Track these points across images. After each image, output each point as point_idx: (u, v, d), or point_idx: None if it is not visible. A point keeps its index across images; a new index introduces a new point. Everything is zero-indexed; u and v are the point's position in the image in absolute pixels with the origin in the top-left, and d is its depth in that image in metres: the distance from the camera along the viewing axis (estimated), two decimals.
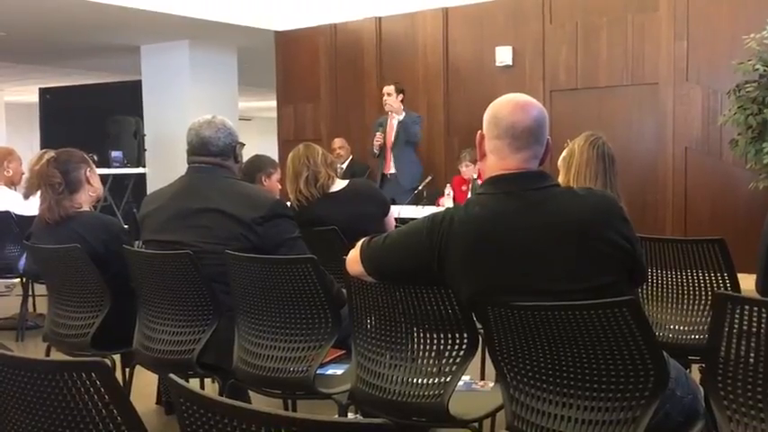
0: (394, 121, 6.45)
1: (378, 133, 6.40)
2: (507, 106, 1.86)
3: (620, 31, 6.55)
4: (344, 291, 2.20)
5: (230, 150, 2.69)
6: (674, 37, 6.31)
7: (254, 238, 2.50)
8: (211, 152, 2.65)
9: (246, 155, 4.07)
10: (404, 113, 6.44)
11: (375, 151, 6.52)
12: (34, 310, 5.18)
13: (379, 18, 7.89)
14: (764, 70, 5.11)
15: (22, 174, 4.69)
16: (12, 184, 4.95)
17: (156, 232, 2.65)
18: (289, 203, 4.28)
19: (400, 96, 6.41)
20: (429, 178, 6.09)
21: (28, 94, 14.24)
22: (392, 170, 6.47)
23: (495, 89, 6.29)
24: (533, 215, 1.78)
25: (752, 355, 1.57)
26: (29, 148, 8.16)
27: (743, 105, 5.19)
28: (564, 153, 2.99)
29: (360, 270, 2.01)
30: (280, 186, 3.71)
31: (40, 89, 13.18)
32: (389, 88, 6.42)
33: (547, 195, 1.81)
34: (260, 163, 3.67)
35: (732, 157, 5.76)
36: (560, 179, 2.93)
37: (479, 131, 1.90)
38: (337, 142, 7.30)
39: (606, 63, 6.65)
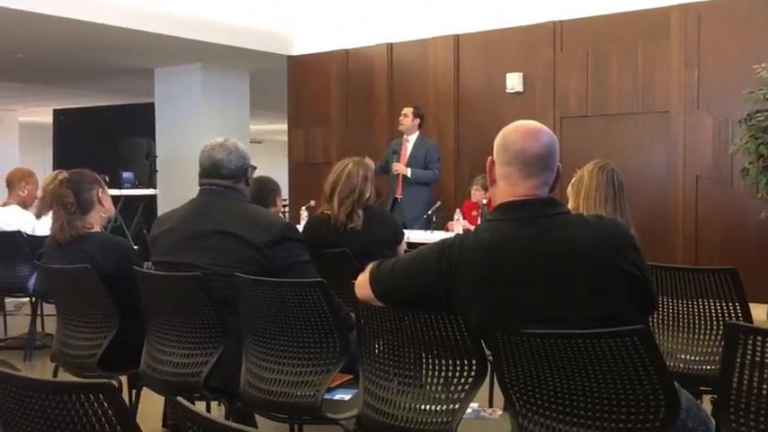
0: (408, 145, 6.47)
1: (396, 164, 6.38)
2: (518, 133, 1.86)
3: (630, 58, 6.57)
4: (353, 315, 2.20)
5: (242, 173, 2.70)
6: (684, 65, 6.33)
7: (264, 261, 2.50)
8: (223, 175, 2.66)
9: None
10: (416, 133, 6.46)
11: (376, 169, 6.46)
12: (42, 329, 5.19)
13: (391, 44, 7.96)
14: None
15: (36, 197, 4.72)
16: (24, 204, 4.99)
17: (167, 254, 2.65)
18: (302, 221, 4.29)
19: (417, 120, 6.46)
20: (438, 203, 6.09)
21: (42, 115, 14.40)
22: (401, 194, 6.47)
23: (505, 115, 6.33)
24: (544, 242, 1.77)
25: (764, 386, 1.55)
26: (41, 168, 8.23)
27: (754, 134, 5.19)
28: (573, 179, 3.00)
29: (368, 294, 2.00)
30: (282, 209, 3.70)
31: (54, 110, 13.34)
32: (407, 110, 6.49)
33: (557, 222, 1.81)
34: (271, 185, 3.68)
35: (743, 185, 5.75)
36: (570, 205, 2.93)
37: (490, 158, 1.91)
38: None
39: (617, 91, 6.67)
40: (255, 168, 2.84)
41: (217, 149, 2.68)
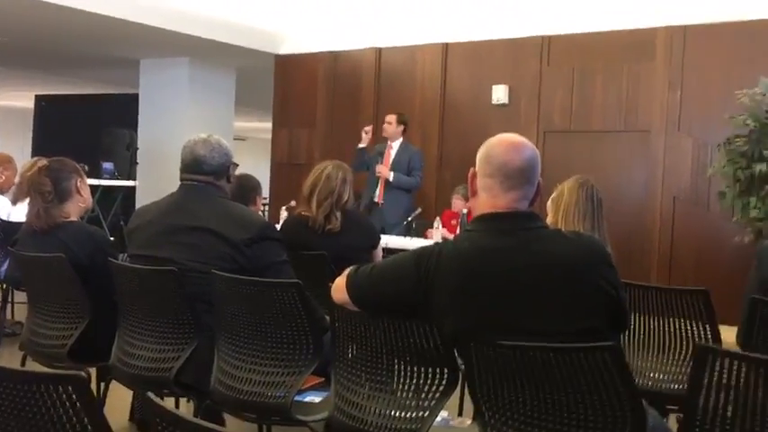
0: (392, 151, 6.49)
1: (379, 165, 6.40)
2: (501, 145, 1.88)
3: (615, 77, 6.64)
4: (327, 318, 2.20)
5: (224, 170, 2.70)
6: (668, 86, 6.40)
7: (241, 259, 2.49)
8: (204, 171, 2.65)
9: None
10: (400, 139, 6.49)
11: (354, 165, 6.46)
12: (12, 317, 5.13)
13: (380, 49, 7.97)
14: (755, 126, 5.19)
15: (14, 183, 4.67)
16: (1, 191, 4.93)
17: (144, 247, 2.64)
18: (281, 221, 4.29)
19: (401, 127, 6.49)
20: (418, 210, 6.11)
21: (23, 100, 14.23)
22: (383, 200, 6.48)
23: (489, 126, 6.37)
24: (521, 255, 1.79)
25: (729, 407, 1.58)
26: (20, 154, 8.13)
27: (732, 159, 5.26)
28: (554, 194, 3.03)
29: (345, 298, 2.00)
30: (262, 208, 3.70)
31: (36, 96, 13.19)
32: (391, 117, 6.51)
33: (535, 236, 1.82)
34: (253, 183, 3.68)
35: (719, 208, 5.82)
36: (548, 219, 2.95)
37: (472, 169, 1.92)
38: None
39: (600, 108, 6.73)
40: (237, 166, 2.83)
41: (200, 145, 2.67)
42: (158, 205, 2.73)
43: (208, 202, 2.62)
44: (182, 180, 2.70)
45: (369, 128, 6.60)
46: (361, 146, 6.54)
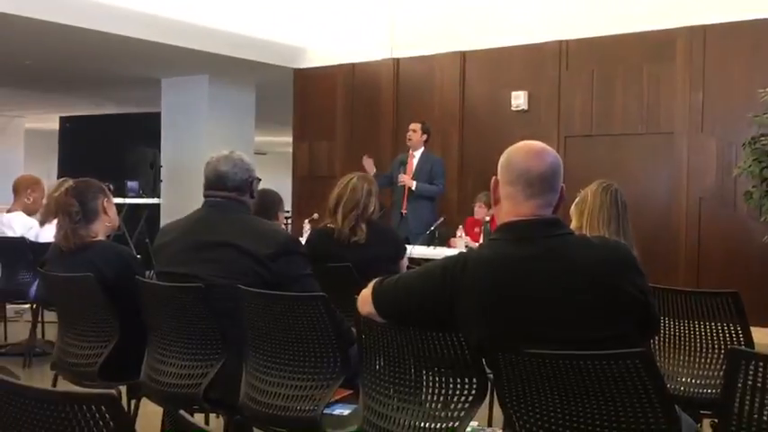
0: (414, 160, 6.50)
1: (402, 175, 6.42)
2: (522, 153, 1.87)
3: (635, 79, 6.59)
4: (353, 330, 2.20)
5: (247, 186, 2.71)
6: (689, 88, 6.35)
7: (266, 274, 2.50)
8: (228, 187, 2.67)
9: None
10: (422, 149, 6.50)
11: (380, 181, 6.48)
12: (43, 336, 5.19)
13: (398, 59, 7.99)
14: None
15: (42, 205, 4.74)
16: (29, 212, 5.00)
17: (170, 264, 2.66)
18: (304, 234, 4.30)
19: (425, 136, 6.52)
20: (441, 219, 6.10)
21: (48, 122, 14.46)
22: (407, 209, 6.48)
23: (509, 133, 6.34)
24: (546, 263, 1.78)
25: (765, 412, 1.55)
26: (46, 175, 8.25)
27: (758, 158, 5.19)
28: (577, 199, 3.01)
29: (371, 310, 2.00)
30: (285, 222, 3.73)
31: (60, 117, 13.39)
32: (416, 125, 6.54)
33: (560, 243, 1.81)
34: (274, 198, 3.69)
35: (746, 208, 5.75)
36: (573, 225, 2.93)
37: (494, 177, 1.91)
38: None
39: (621, 111, 6.68)
40: (260, 181, 2.85)
41: (222, 162, 2.69)
42: (183, 222, 2.75)
43: (232, 217, 2.64)
44: (205, 197, 2.72)
45: (367, 159, 6.56)
46: (374, 172, 6.52)
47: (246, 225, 2.62)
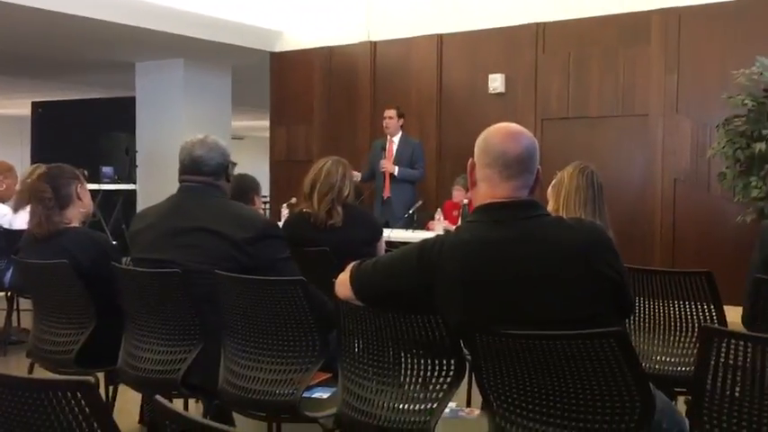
0: (393, 146, 6.52)
1: (383, 160, 6.43)
2: (498, 135, 1.88)
3: (611, 62, 6.63)
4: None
5: (222, 170, 2.69)
6: (664, 69, 6.39)
7: (244, 258, 2.49)
8: (203, 171, 2.65)
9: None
10: (400, 133, 6.51)
11: (365, 176, 6.52)
12: (18, 325, 5.14)
13: (375, 42, 7.95)
14: (753, 105, 5.18)
15: (15, 191, 4.67)
16: (2, 199, 4.93)
17: (146, 251, 2.64)
18: (282, 218, 4.30)
19: (401, 120, 6.59)
20: (419, 203, 6.12)
21: (20, 108, 14.22)
22: (390, 194, 6.49)
23: (487, 116, 6.34)
24: (523, 244, 1.79)
25: (737, 388, 1.58)
26: (19, 162, 8.13)
27: (731, 139, 5.25)
28: (554, 181, 3.02)
29: (349, 294, 2.01)
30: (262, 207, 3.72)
31: (32, 103, 13.18)
32: (391, 112, 6.57)
33: (536, 225, 1.82)
34: (251, 182, 3.68)
35: (720, 189, 5.82)
36: (550, 206, 2.95)
37: (471, 159, 1.92)
38: None
39: (597, 93, 6.72)
40: (236, 165, 2.83)
41: (197, 146, 2.67)
42: (159, 208, 2.72)
43: (208, 202, 2.62)
44: (181, 182, 2.69)
45: (384, 163, 6.53)
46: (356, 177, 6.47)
47: (223, 210, 2.61)
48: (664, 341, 2.69)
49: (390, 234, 5.01)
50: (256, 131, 16.35)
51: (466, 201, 6.07)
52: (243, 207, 2.78)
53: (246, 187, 3.60)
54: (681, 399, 2.62)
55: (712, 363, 1.59)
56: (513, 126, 1.91)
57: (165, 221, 2.62)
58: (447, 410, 2.04)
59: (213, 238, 2.51)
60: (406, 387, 2.00)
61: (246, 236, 2.51)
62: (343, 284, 2.03)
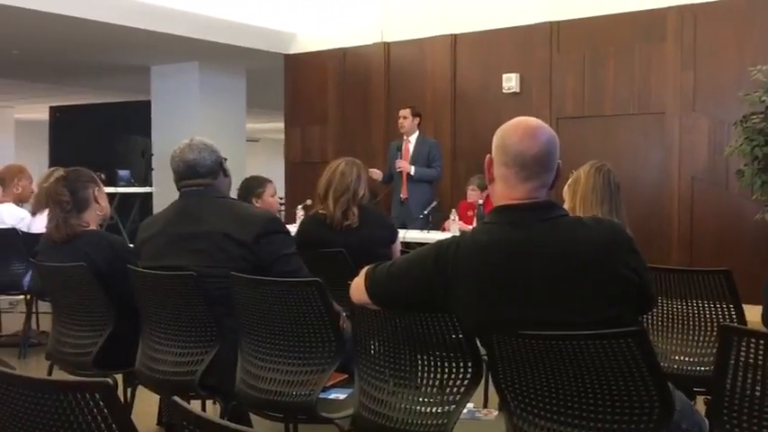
0: (410, 145, 6.50)
1: (399, 161, 6.41)
2: (516, 133, 1.82)
3: (627, 60, 6.58)
4: (344, 314, 2.19)
5: (217, 168, 2.70)
6: (680, 67, 6.34)
7: (251, 257, 2.50)
8: (200, 174, 2.65)
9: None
10: (416, 133, 6.49)
11: (384, 178, 6.52)
12: (37, 327, 5.18)
13: (388, 43, 7.96)
14: None
15: (32, 192, 4.72)
16: (20, 201, 4.98)
17: (155, 258, 2.64)
18: (297, 220, 4.33)
19: (416, 120, 6.52)
20: (434, 203, 6.10)
21: (38, 112, 14.37)
22: (407, 195, 6.48)
23: (501, 115, 6.28)
24: (540, 247, 1.76)
25: (758, 388, 1.56)
26: (37, 166, 8.21)
27: (749, 136, 5.20)
28: (570, 180, 3.01)
29: (364, 298, 1.99)
30: (277, 200, 3.87)
31: (50, 107, 13.32)
32: (405, 111, 6.53)
33: (554, 226, 1.79)
34: (255, 182, 3.82)
35: (738, 187, 5.76)
36: (566, 205, 2.93)
37: (488, 155, 1.88)
38: None
39: (613, 92, 6.68)
40: (226, 160, 2.82)
41: (187, 151, 2.67)
42: (163, 216, 2.74)
43: (211, 204, 2.63)
44: (179, 188, 2.69)
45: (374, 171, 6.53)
46: (377, 175, 6.45)
47: (226, 211, 2.61)
48: (682, 340, 2.66)
49: (405, 235, 5.01)
50: (271, 133, 16.41)
51: (481, 201, 6.06)
52: (245, 206, 2.79)
53: (252, 186, 3.71)
54: (700, 399, 2.59)
55: (732, 362, 1.58)
56: (532, 122, 1.85)
57: (171, 229, 2.63)
58: (464, 411, 2.03)
59: (219, 241, 2.52)
60: (423, 389, 1.99)
61: (251, 234, 2.51)
62: (357, 289, 2.01)
